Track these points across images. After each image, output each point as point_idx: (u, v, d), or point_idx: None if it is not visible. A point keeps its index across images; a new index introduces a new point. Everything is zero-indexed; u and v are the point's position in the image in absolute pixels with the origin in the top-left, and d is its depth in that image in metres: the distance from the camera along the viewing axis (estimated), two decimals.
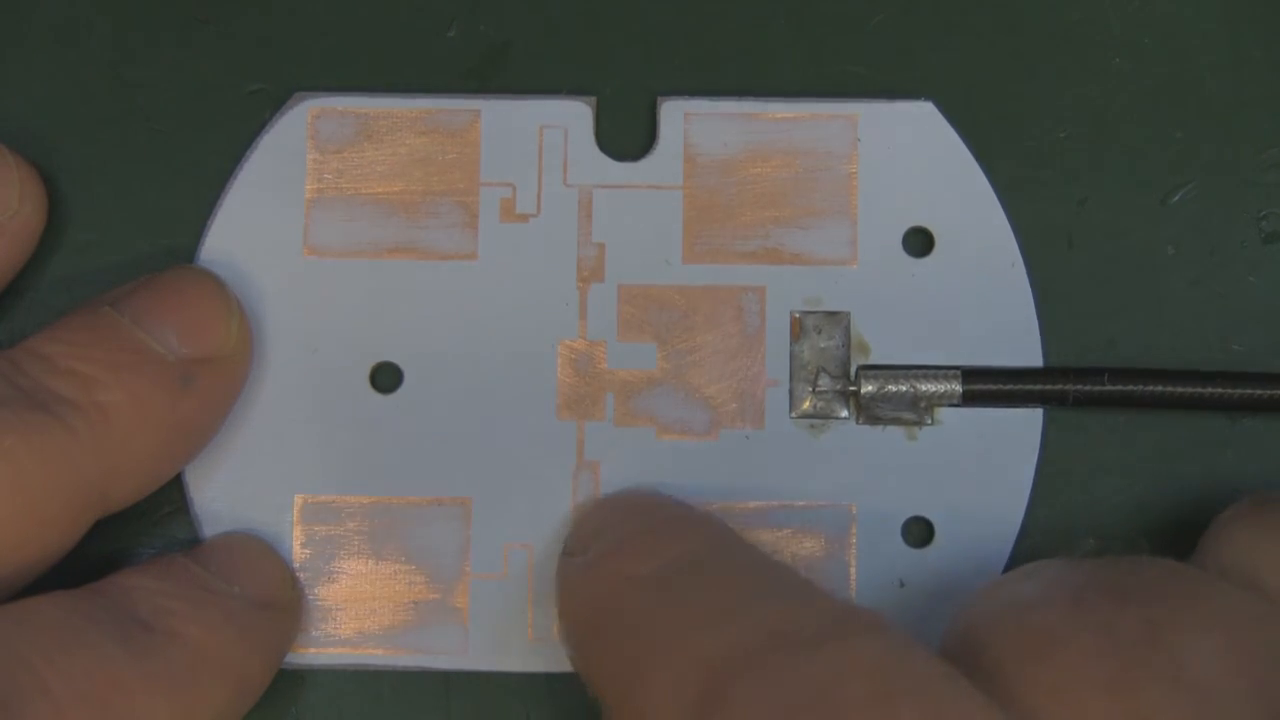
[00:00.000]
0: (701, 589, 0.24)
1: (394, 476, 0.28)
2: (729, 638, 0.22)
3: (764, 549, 0.28)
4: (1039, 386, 0.28)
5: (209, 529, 0.28)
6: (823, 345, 0.28)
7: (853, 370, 0.28)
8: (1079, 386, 0.28)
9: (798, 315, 0.28)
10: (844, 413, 0.28)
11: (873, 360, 0.28)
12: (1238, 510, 0.26)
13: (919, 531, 0.28)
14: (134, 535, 0.28)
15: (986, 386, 0.28)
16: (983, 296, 0.28)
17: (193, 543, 0.28)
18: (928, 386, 0.28)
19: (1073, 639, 0.22)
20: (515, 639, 0.28)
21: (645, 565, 0.24)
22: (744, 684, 0.21)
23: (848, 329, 0.28)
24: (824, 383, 0.28)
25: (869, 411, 0.28)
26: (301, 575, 0.28)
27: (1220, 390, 0.28)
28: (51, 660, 0.24)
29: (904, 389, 0.28)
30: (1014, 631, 0.23)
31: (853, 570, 0.28)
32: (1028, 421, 0.28)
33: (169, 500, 0.28)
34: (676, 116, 0.29)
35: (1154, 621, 0.22)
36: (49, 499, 0.25)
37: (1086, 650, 0.22)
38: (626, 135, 0.29)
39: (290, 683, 0.28)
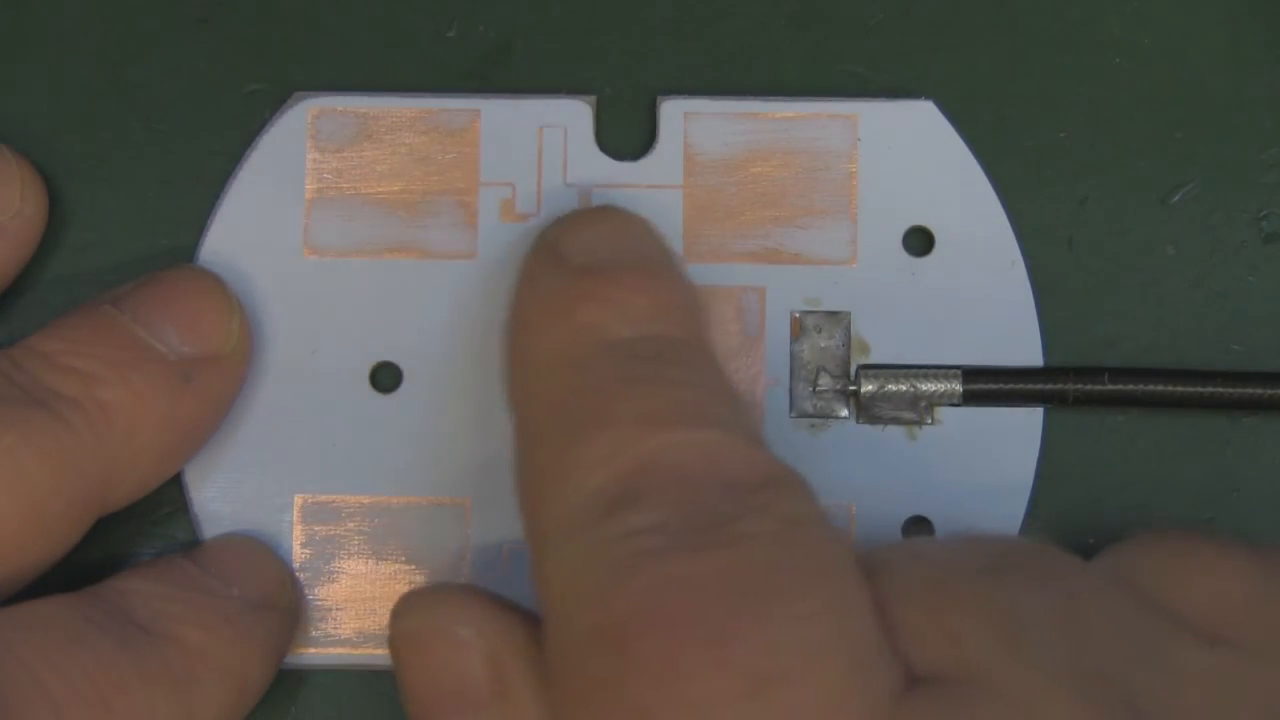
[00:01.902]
0: (668, 382, 0.23)
1: (394, 476, 0.28)
2: (677, 444, 0.22)
3: None
4: (1039, 386, 0.28)
5: (209, 529, 0.28)
6: (823, 345, 0.28)
7: (853, 370, 0.28)
8: (1079, 386, 0.28)
9: (798, 315, 0.28)
10: (844, 412, 0.28)
11: (873, 360, 0.28)
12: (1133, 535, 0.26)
13: (919, 531, 0.28)
14: (134, 536, 0.28)
15: (986, 386, 0.28)
16: (983, 296, 0.28)
17: (192, 544, 0.28)
18: (928, 386, 0.28)
19: (909, 564, 0.23)
20: None
21: (626, 328, 0.24)
22: (659, 497, 0.22)
23: (848, 329, 0.28)
24: (824, 382, 0.28)
25: (869, 411, 0.28)
26: (301, 575, 0.28)
27: (1220, 390, 0.28)
28: (51, 662, 0.24)
29: (904, 388, 0.28)
30: (881, 551, 0.24)
31: None
32: (1028, 421, 0.28)
33: (169, 500, 0.28)
34: (676, 116, 0.29)
35: (996, 569, 0.23)
36: (50, 497, 0.25)
37: (921, 573, 0.23)
38: (626, 135, 0.29)
39: (290, 683, 0.28)
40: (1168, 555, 0.25)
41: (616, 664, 0.21)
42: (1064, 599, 0.23)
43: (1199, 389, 0.28)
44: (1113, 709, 0.21)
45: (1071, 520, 0.28)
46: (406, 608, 0.25)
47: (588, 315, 0.24)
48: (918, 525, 0.28)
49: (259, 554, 0.28)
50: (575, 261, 0.25)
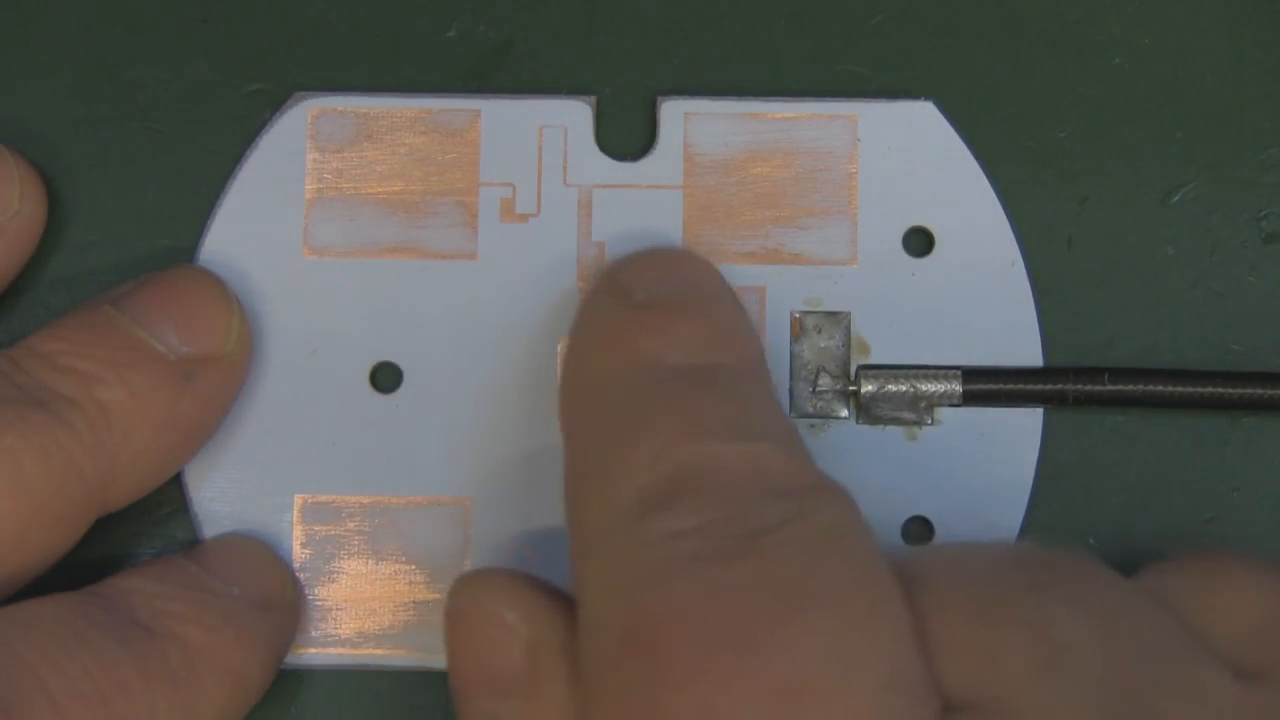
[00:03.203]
0: (717, 400, 0.24)
1: (394, 476, 0.28)
2: (720, 451, 0.23)
3: None
4: (1039, 386, 0.28)
5: (209, 529, 0.28)
6: (823, 345, 0.28)
7: (853, 370, 0.28)
8: (1079, 386, 0.28)
9: (798, 315, 0.28)
10: (844, 413, 0.28)
11: (873, 360, 0.28)
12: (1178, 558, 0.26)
13: (919, 531, 0.28)
14: (134, 536, 0.28)
15: (986, 386, 0.28)
16: (983, 296, 0.28)
17: (192, 543, 0.28)
18: (928, 386, 0.28)
19: (948, 577, 0.23)
20: None
21: (681, 355, 0.24)
22: (698, 500, 0.22)
23: (848, 329, 0.28)
24: (824, 383, 0.28)
25: (869, 411, 0.28)
26: (301, 575, 0.28)
27: (1220, 390, 0.28)
28: (52, 661, 0.24)
29: (904, 389, 0.28)
30: (919, 560, 0.24)
31: None
32: (1028, 421, 0.28)
33: (169, 500, 0.28)
34: (676, 116, 0.29)
35: (1037, 584, 0.23)
36: (50, 497, 0.25)
37: (960, 587, 0.23)
38: (626, 135, 0.29)
39: (290, 683, 0.28)
40: (1203, 578, 0.24)
41: (646, 668, 0.21)
42: (1103, 618, 0.22)
43: (1199, 389, 0.28)
44: None
45: (1071, 520, 0.28)
46: (460, 586, 0.25)
47: (643, 343, 0.24)
48: (917, 525, 0.28)
49: (259, 554, 0.28)
50: (636, 296, 0.25)
